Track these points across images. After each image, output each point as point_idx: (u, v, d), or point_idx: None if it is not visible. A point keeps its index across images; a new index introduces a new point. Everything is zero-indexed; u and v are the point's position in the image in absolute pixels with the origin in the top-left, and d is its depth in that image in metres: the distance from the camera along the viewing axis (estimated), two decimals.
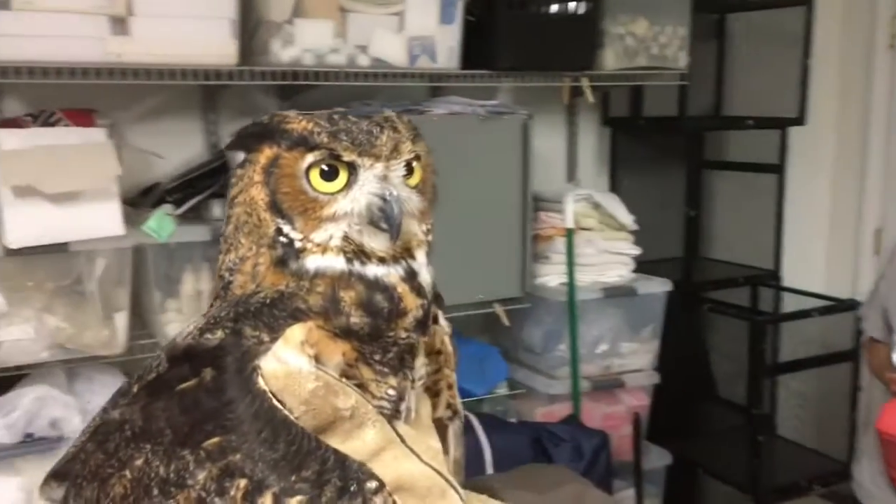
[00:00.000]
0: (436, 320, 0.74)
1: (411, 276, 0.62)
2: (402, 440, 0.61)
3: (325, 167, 0.60)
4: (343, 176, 0.60)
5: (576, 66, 2.60)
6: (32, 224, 1.78)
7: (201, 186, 2.14)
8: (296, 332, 0.57)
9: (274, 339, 0.57)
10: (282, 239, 0.60)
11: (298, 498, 0.51)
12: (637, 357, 2.73)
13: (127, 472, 0.54)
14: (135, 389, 0.59)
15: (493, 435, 2.27)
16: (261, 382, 0.55)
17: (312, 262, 0.59)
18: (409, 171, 0.64)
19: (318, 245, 0.60)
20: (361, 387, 0.60)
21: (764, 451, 2.76)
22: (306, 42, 2.14)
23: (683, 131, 3.06)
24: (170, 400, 0.56)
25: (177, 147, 2.37)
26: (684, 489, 2.96)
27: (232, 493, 0.50)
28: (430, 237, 0.66)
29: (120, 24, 1.94)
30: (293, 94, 2.50)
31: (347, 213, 0.61)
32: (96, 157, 1.83)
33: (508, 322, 2.54)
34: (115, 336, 1.94)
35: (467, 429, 2.24)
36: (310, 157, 0.60)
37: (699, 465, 3.00)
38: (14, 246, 1.77)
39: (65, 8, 1.88)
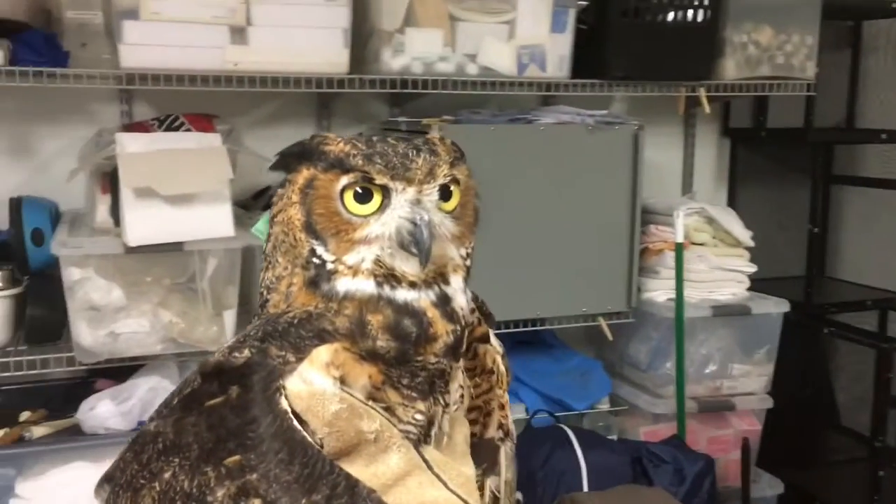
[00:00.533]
0: (487, 339, 0.72)
1: (443, 302, 0.61)
2: (429, 466, 0.60)
3: (358, 189, 0.60)
4: (377, 199, 0.60)
5: (693, 76, 2.52)
6: (150, 224, 1.88)
7: None
8: (322, 353, 0.58)
9: (300, 360, 0.58)
10: (315, 260, 0.60)
11: None
12: (749, 380, 2.61)
13: (156, 485, 0.56)
14: (174, 402, 0.61)
15: (590, 451, 2.22)
16: (283, 402, 0.56)
17: (343, 284, 0.60)
18: (447, 195, 0.62)
19: (350, 267, 0.60)
20: (388, 410, 0.59)
21: (886, 486, 2.59)
22: (416, 50, 2.17)
23: (810, 144, 2.90)
24: (199, 415, 0.58)
25: None
26: None
27: None
28: (468, 262, 0.64)
29: (239, 34, 2.03)
30: (403, 101, 2.53)
31: (379, 237, 0.60)
32: (211, 161, 1.91)
33: (612, 336, 2.48)
34: (223, 333, 2.01)
35: (564, 443, 2.22)
36: (344, 180, 0.60)
37: (814, 497, 2.84)
38: (133, 244, 1.87)
39: (188, 18, 1.97)
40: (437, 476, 0.60)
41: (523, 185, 2.31)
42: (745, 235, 2.61)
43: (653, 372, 2.60)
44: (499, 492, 0.74)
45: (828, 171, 3.11)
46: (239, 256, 2.02)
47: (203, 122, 2.20)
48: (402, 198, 0.60)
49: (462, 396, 0.66)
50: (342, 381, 0.58)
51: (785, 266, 3.09)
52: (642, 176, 2.43)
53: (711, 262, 2.58)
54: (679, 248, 2.45)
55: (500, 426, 0.75)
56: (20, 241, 2.03)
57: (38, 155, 2.33)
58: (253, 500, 0.52)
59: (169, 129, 2.16)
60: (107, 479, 0.64)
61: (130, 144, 1.89)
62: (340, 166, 0.60)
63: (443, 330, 0.61)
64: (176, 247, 1.92)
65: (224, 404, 0.57)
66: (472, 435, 0.74)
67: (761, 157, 3.09)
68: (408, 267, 0.60)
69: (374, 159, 0.59)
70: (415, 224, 0.59)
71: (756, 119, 3.03)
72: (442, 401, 0.62)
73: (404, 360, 0.59)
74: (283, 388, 0.56)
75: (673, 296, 2.48)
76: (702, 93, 2.52)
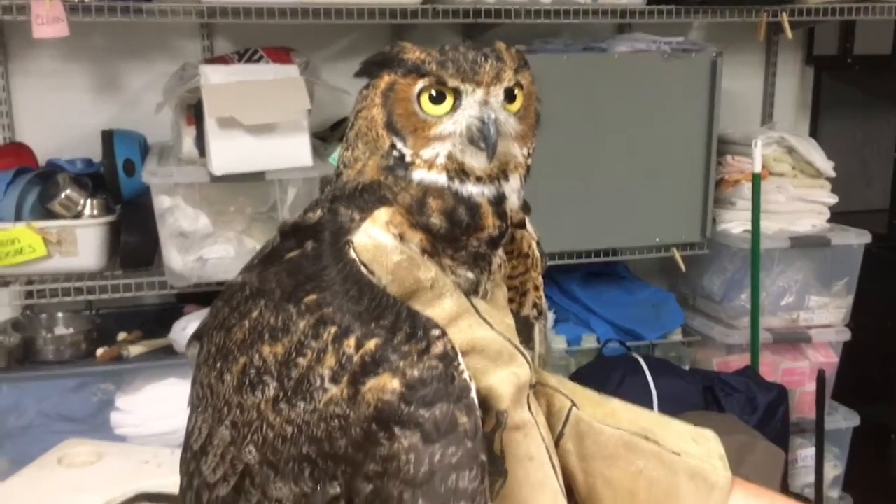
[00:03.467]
0: (523, 225, 0.79)
1: (499, 200, 0.68)
2: (477, 311, 0.68)
3: (433, 92, 0.66)
4: (449, 100, 0.66)
5: (774, 0, 2.45)
6: (233, 153, 1.95)
7: None
8: (382, 213, 0.66)
9: (364, 219, 0.66)
10: (395, 153, 0.67)
11: (375, 340, 0.59)
12: (827, 312, 2.58)
13: (245, 322, 0.64)
14: (256, 261, 0.70)
15: (660, 379, 2.25)
16: (351, 253, 0.64)
17: (418, 174, 0.66)
18: (512, 97, 0.68)
19: (426, 161, 0.66)
20: (440, 266, 0.67)
21: None
22: None
23: None
24: (279, 266, 0.66)
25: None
26: (872, 454, 2.79)
27: (324, 336, 0.60)
28: (530, 161, 0.70)
29: None
30: (476, 32, 2.53)
31: (452, 134, 0.66)
32: (289, 91, 1.97)
33: (685, 268, 2.48)
34: None
35: (636, 370, 2.25)
36: (421, 84, 0.66)
37: (891, 430, 2.81)
38: (218, 173, 1.95)
39: None
40: (485, 320, 0.68)
41: (597, 115, 2.31)
42: (826, 166, 2.55)
43: (727, 303, 2.60)
44: (533, 363, 0.81)
45: None
46: (317, 185, 2.08)
47: (281, 54, 2.26)
48: (472, 99, 0.66)
49: (501, 266, 0.73)
50: (400, 237, 0.65)
51: (868, 198, 3.01)
52: (720, 105, 2.39)
53: (790, 192, 2.54)
54: (756, 179, 2.41)
55: (535, 306, 0.82)
56: (113, 172, 2.14)
57: (126, 90, 2.43)
58: (330, 327, 0.60)
59: (249, 61, 2.22)
60: (196, 336, 0.73)
61: (213, 76, 1.96)
62: (417, 72, 0.66)
63: (491, 224, 0.67)
64: (258, 176, 1.99)
65: (301, 256, 0.65)
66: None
67: (846, 86, 2.99)
68: (476, 161, 0.66)
69: (446, 65, 0.65)
70: (483, 122, 0.65)
71: (842, 45, 2.92)
72: (486, 272, 0.69)
73: (451, 239, 0.67)
74: (351, 241, 0.64)
75: (749, 227, 2.46)
76: (784, 17, 2.45)
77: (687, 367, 2.53)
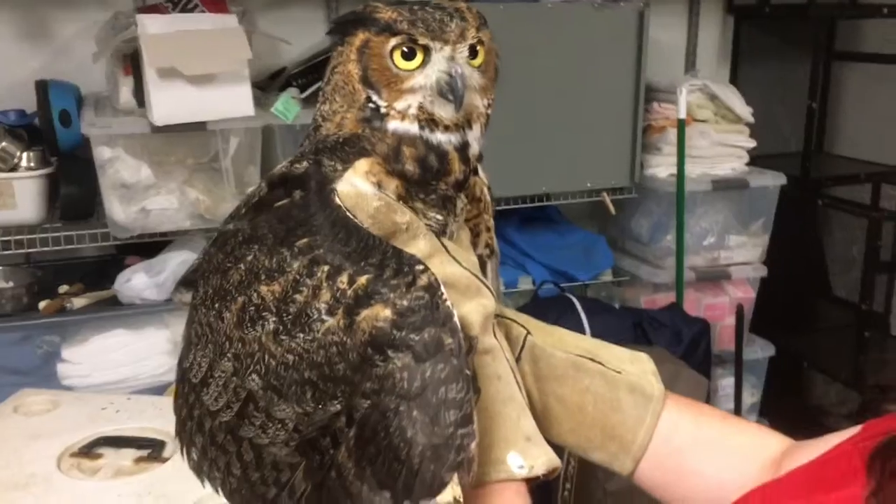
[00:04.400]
0: (476, 172, 0.85)
1: (463, 147, 0.75)
2: (447, 250, 0.75)
3: (405, 49, 0.72)
4: (420, 56, 0.72)
5: None
6: (175, 104, 1.96)
7: (324, 71, 2.25)
8: (362, 163, 0.72)
9: (346, 169, 0.72)
10: (370, 105, 0.73)
11: (366, 276, 0.65)
12: (745, 250, 2.74)
13: (241, 265, 0.70)
14: (243, 210, 0.76)
15: (593, 317, 2.37)
16: (336, 199, 0.70)
17: (392, 125, 0.73)
18: (474, 53, 0.74)
19: (399, 112, 0.73)
20: (413, 211, 0.74)
21: (872, 348, 2.76)
22: None
23: (812, 19, 2.94)
24: (270, 214, 0.72)
25: (302, 34, 2.49)
26: (787, 382, 2.99)
27: (318, 275, 0.66)
28: (489, 111, 0.77)
29: None
30: None
31: (422, 87, 0.72)
32: (229, 41, 1.97)
33: (615, 211, 2.59)
34: None
35: (570, 310, 2.36)
36: (393, 41, 0.72)
37: (804, 359, 3.02)
38: (159, 123, 1.95)
39: None
40: (454, 258, 0.75)
41: (530, 62, 2.37)
42: (745, 111, 2.68)
43: (654, 245, 2.73)
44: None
45: (830, 47, 3.15)
46: (259, 135, 2.11)
47: (216, 3, 2.24)
48: (440, 55, 0.72)
49: (464, 210, 0.80)
50: (378, 185, 0.72)
51: (784, 142, 3.17)
52: (647, 54, 2.49)
53: (712, 137, 2.67)
54: (681, 125, 2.53)
55: (487, 245, 0.89)
56: (49, 123, 2.11)
57: (56, 38, 2.38)
58: (323, 266, 0.66)
59: (183, 10, 2.20)
60: (182, 282, 0.78)
61: (151, 26, 1.95)
62: (390, 30, 0.71)
63: (457, 169, 0.74)
64: (199, 126, 2.00)
65: (290, 204, 0.71)
66: None
67: (764, 35, 3.13)
68: (444, 112, 0.73)
69: (416, 24, 0.71)
70: (451, 76, 0.72)
71: None
72: (452, 213, 0.76)
73: (423, 184, 0.73)
74: (335, 189, 0.71)
75: (674, 171, 2.58)
76: None
77: (617, 306, 2.66)
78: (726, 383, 2.77)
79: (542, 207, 2.71)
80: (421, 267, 0.66)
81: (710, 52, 3.10)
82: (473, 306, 0.74)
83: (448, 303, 0.66)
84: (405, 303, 0.64)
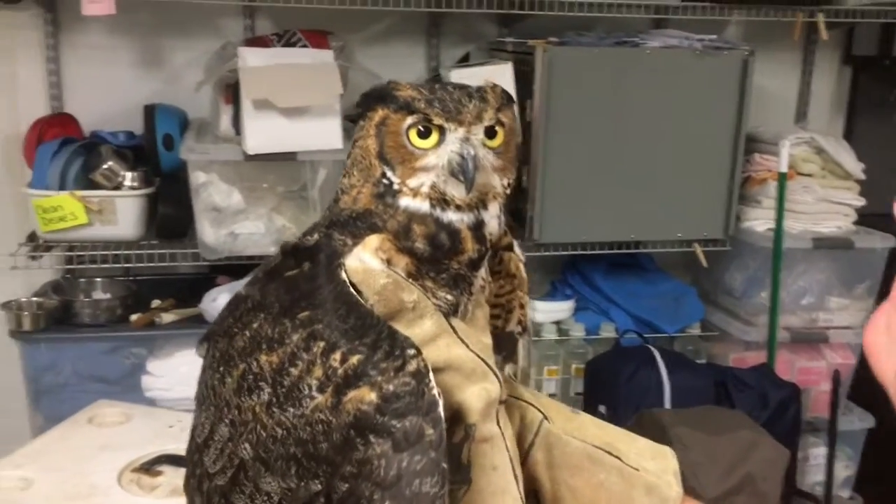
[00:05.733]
0: (511, 248, 0.86)
1: (478, 226, 0.74)
2: (455, 332, 0.74)
3: (420, 128, 0.73)
4: (435, 136, 0.73)
5: (811, 0, 2.44)
6: (267, 134, 2.02)
7: None
8: (373, 239, 0.72)
9: (356, 244, 0.72)
10: (384, 181, 0.73)
11: (358, 356, 0.66)
12: (847, 313, 2.60)
13: (246, 332, 0.72)
14: (259, 275, 0.76)
15: (674, 372, 2.29)
16: (343, 274, 0.70)
17: (404, 201, 0.73)
18: (493, 134, 0.74)
19: (412, 189, 0.73)
20: (424, 288, 0.73)
21: None
22: None
23: None
24: (279, 283, 0.73)
25: (400, 68, 2.54)
26: (886, 457, 2.80)
27: (314, 350, 0.67)
28: (508, 190, 0.77)
29: None
30: (512, 21, 2.57)
31: (435, 166, 0.73)
32: (323, 77, 2.03)
33: (706, 263, 2.50)
34: None
35: (650, 362, 2.29)
36: (410, 119, 0.72)
37: None
38: (251, 152, 2.03)
39: None
40: (462, 339, 0.74)
41: (626, 108, 2.33)
42: (856, 168, 2.55)
43: (746, 300, 2.62)
44: (516, 376, 0.89)
45: None
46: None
47: (318, 37, 2.32)
48: (455, 136, 0.72)
49: (483, 288, 0.78)
50: (388, 262, 0.72)
51: None
52: (749, 103, 2.40)
53: (817, 193, 2.55)
54: (782, 178, 2.43)
55: (520, 322, 0.89)
56: (153, 145, 2.22)
57: (169, 66, 2.51)
58: (319, 342, 0.67)
59: (287, 44, 2.28)
60: (205, 337, 0.80)
61: (251, 58, 2.03)
62: (407, 108, 0.72)
63: (471, 248, 0.73)
64: (290, 156, 2.06)
65: (298, 275, 0.72)
66: (495, 328, 0.88)
67: (884, 87, 2.97)
68: (456, 192, 0.72)
69: (433, 104, 0.72)
70: (462, 157, 0.72)
71: (882, 46, 2.90)
72: (466, 292, 0.75)
73: (433, 262, 0.73)
74: (343, 264, 0.71)
75: (773, 226, 2.48)
76: (819, 18, 2.45)
77: (703, 361, 2.57)
78: (818, 453, 2.61)
79: (632, 254, 2.65)
80: (412, 351, 0.66)
81: (823, 102, 2.97)
82: (476, 391, 0.72)
83: (435, 391, 0.65)
84: (391, 388, 0.64)
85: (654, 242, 2.52)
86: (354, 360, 0.65)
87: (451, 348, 0.72)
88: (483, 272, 0.76)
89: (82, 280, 2.37)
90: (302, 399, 0.66)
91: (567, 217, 2.36)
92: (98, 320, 2.24)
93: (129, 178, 2.22)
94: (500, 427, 0.75)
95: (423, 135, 0.72)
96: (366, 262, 0.71)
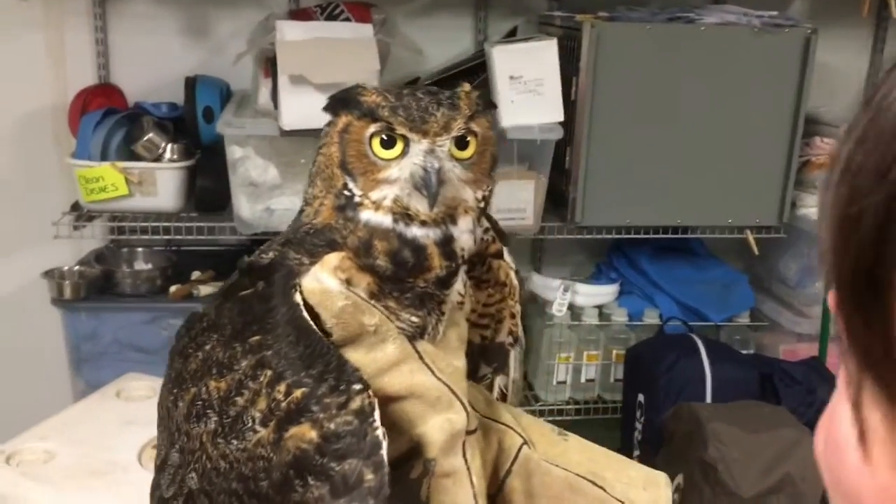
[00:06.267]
0: (501, 255, 0.81)
1: (446, 241, 0.69)
2: (421, 356, 0.69)
3: (384, 137, 0.68)
4: (399, 146, 0.68)
5: None
6: (303, 109, 1.99)
7: (459, 83, 2.23)
8: (331, 258, 0.68)
9: (313, 263, 0.68)
10: (346, 192, 0.69)
11: (302, 389, 0.62)
12: None
13: (199, 353, 0.69)
14: (219, 293, 0.72)
15: (717, 364, 2.21)
16: (297, 297, 0.66)
17: (365, 215, 0.68)
18: (465, 144, 0.69)
19: (374, 202, 0.68)
20: (387, 309, 0.69)
21: None
22: None
23: None
24: (234, 303, 0.70)
25: (446, 43, 2.48)
26: None
27: (260, 379, 0.64)
28: (482, 204, 0.72)
29: None
30: None
31: (398, 179, 0.68)
32: (360, 52, 1.99)
33: (758, 251, 2.40)
34: None
35: (692, 352, 2.22)
36: (372, 128, 0.68)
37: None
38: (287, 128, 2.00)
39: None
40: (427, 365, 0.69)
41: (677, 87, 2.23)
42: None
43: (801, 290, 2.51)
44: (507, 389, 0.86)
45: None
46: None
47: (361, 10, 2.27)
48: (419, 147, 0.68)
49: (461, 304, 0.73)
50: (348, 282, 0.68)
51: None
52: (810, 83, 2.28)
53: None
54: None
55: (511, 333, 0.84)
56: (193, 118, 2.22)
57: (214, 36, 2.50)
58: (266, 370, 0.64)
59: (329, 16, 2.24)
60: (170, 351, 0.77)
61: (289, 32, 2.00)
62: (371, 115, 0.68)
63: (438, 265, 0.69)
64: None
65: (252, 295, 0.69)
66: (484, 338, 0.85)
67: None
68: (420, 206, 0.68)
69: (398, 112, 0.67)
70: (426, 170, 0.67)
71: None
72: (435, 312, 0.70)
73: (396, 280, 0.68)
74: (299, 285, 0.67)
75: None
76: None
77: (751, 352, 2.47)
78: None
79: (681, 238, 2.56)
80: (358, 386, 0.62)
81: None
82: (439, 423, 0.68)
83: (378, 432, 0.61)
84: (332, 426, 0.61)
85: (702, 228, 2.43)
86: (298, 393, 0.62)
87: (414, 375, 0.68)
88: (459, 287, 0.72)
89: (125, 250, 2.40)
90: (245, 432, 0.63)
91: (611, 200, 2.28)
92: (138, 290, 2.27)
93: (169, 150, 2.22)
94: (465, 460, 0.70)
95: (387, 144, 0.68)
96: (323, 282, 0.67)
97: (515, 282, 0.82)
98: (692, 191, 2.34)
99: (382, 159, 0.68)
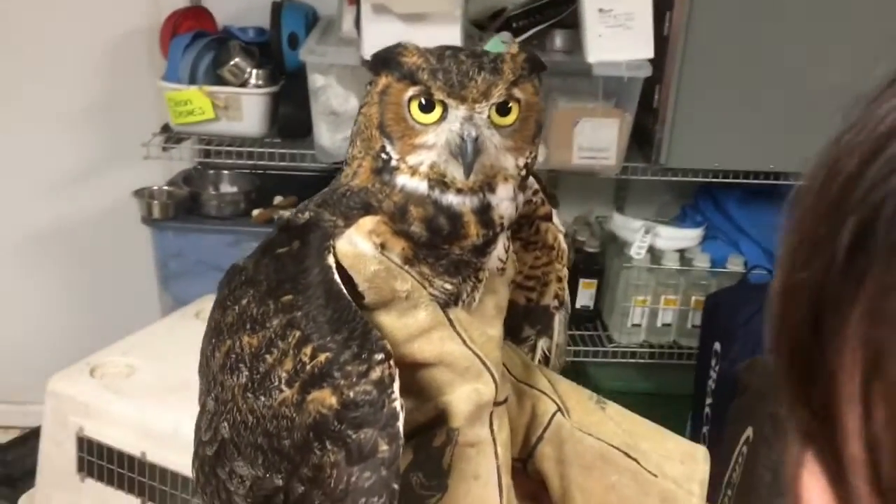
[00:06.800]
0: (549, 218, 0.80)
1: (483, 209, 0.67)
2: (452, 324, 0.68)
3: (422, 101, 0.66)
4: (438, 110, 0.66)
5: None
6: (385, 39, 1.95)
7: (546, 16, 2.17)
8: (366, 222, 0.67)
9: (348, 225, 0.67)
10: (383, 155, 0.67)
11: (326, 354, 0.62)
12: None
13: (236, 307, 0.69)
14: (258, 249, 0.74)
15: None
16: (330, 259, 0.66)
17: (401, 180, 0.66)
18: (506, 110, 0.67)
19: (410, 167, 0.66)
20: (421, 275, 0.67)
21: None
22: None
23: None
24: (270, 259, 0.70)
25: None
26: None
27: (289, 339, 0.64)
28: (523, 171, 0.69)
29: None
30: None
31: (435, 144, 0.66)
32: None
33: None
34: None
35: None
36: (411, 91, 0.66)
37: None
38: (368, 57, 1.98)
39: None
40: (459, 333, 0.68)
41: (780, 23, 2.11)
42: None
43: None
44: (549, 352, 0.85)
45: None
46: None
47: None
48: (457, 114, 0.65)
49: (501, 270, 0.71)
50: (382, 247, 0.66)
51: None
52: None
53: None
54: None
55: (556, 296, 0.83)
56: (278, 44, 2.23)
57: None
58: (295, 331, 0.64)
59: None
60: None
61: None
62: (410, 78, 0.65)
63: (474, 233, 0.67)
64: None
65: (288, 254, 0.69)
66: (529, 301, 0.84)
67: None
68: (457, 174, 0.66)
69: (437, 76, 0.64)
70: (462, 138, 0.65)
71: None
72: (471, 279, 0.69)
73: (431, 246, 0.67)
74: (333, 246, 0.66)
75: None
76: None
77: None
78: None
79: (774, 186, 2.45)
80: (380, 356, 0.62)
81: None
82: (466, 392, 0.68)
83: (396, 403, 0.61)
84: (351, 394, 0.61)
85: (794, 174, 2.31)
86: (322, 357, 0.62)
87: (444, 343, 0.68)
88: (500, 254, 0.70)
89: (211, 172, 2.46)
90: (272, 390, 0.64)
91: (699, 141, 2.20)
92: (223, 213, 2.33)
93: (254, 75, 2.25)
94: (492, 430, 0.70)
95: (425, 108, 0.65)
96: (357, 245, 0.66)
97: (564, 245, 0.81)
98: (787, 135, 2.21)
99: (420, 123, 0.66)
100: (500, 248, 0.70)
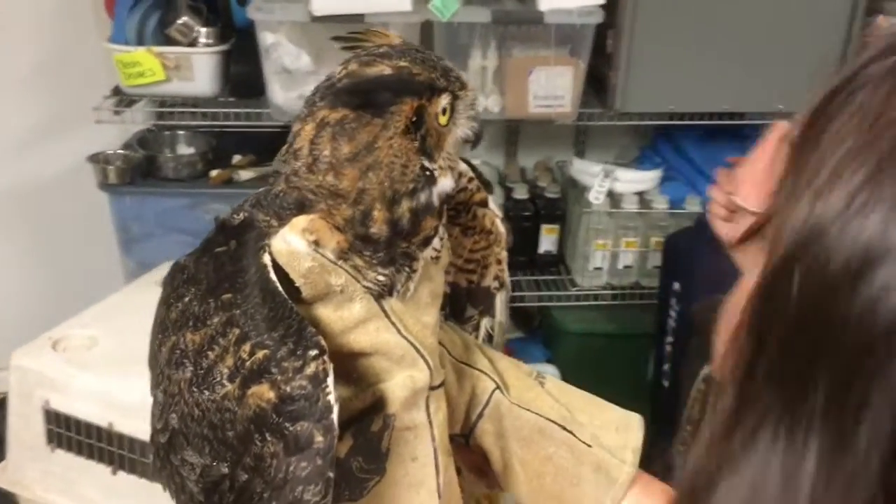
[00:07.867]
0: (485, 204, 0.82)
1: (440, 201, 0.71)
2: (387, 315, 0.71)
3: (448, 105, 0.70)
4: (449, 106, 0.70)
5: None
6: None
7: None
8: (300, 220, 0.68)
9: (282, 225, 0.69)
10: (426, 174, 0.69)
11: (265, 351, 0.65)
12: None
13: (179, 304, 0.71)
14: (199, 246, 0.76)
15: None
16: (266, 258, 0.67)
17: (439, 186, 0.70)
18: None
19: (441, 169, 0.70)
20: (355, 269, 0.69)
21: None
22: None
23: None
24: (210, 258, 0.72)
25: None
26: None
27: (229, 336, 0.66)
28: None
29: None
30: None
31: (454, 137, 0.71)
32: None
33: None
34: None
35: None
36: (443, 100, 0.69)
37: None
38: (317, 14, 1.96)
39: None
40: (394, 323, 0.71)
41: None
42: None
43: None
44: (493, 330, 0.88)
45: None
46: (417, 31, 2.06)
47: None
48: (466, 101, 0.71)
49: (436, 258, 0.73)
50: (316, 243, 0.68)
51: None
52: None
53: None
54: None
55: (497, 277, 0.87)
56: (225, 1, 2.19)
57: None
58: (234, 329, 0.66)
59: None
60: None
61: None
62: (431, 90, 0.68)
63: (429, 226, 0.70)
64: (357, 18, 1.98)
65: (226, 253, 0.71)
66: (470, 283, 0.87)
67: None
68: (461, 157, 0.73)
69: (448, 76, 0.69)
70: (475, 119, 0.71)
71: None
72: (405, 269, 0.71)
73: (371, 241, 0.69)
74: (269, 245, 0.68)
75: None
76: None
77: None
78: None
79: (730, 126, 2.47)
80: (314, 353, 0.64)
81: None
82: (401, 380, 0.71)
83: (330, 397, 0.63)
84: (288, 389, 0.63)
85: (750, 114, 2.34)
86: (260, 354, 0.65)
87: (379, 333, 0.70)
88: (435, 243, 0.72)
89: (167, 133, 2.43)
90: (215, 385, 0.66)
91: (654, 85, 2.20)
92: (180, 175, 2.31)
93: (204, 34, 2.21)
94: (428, 414, 0.73)
95: (446, 110, 0.70)
96: (291, 244, 0.68)
97: (501, 229, 0.84)
98: (740, 75, 2.23)
99: (444, 126, 0.70)
100: (437, 237, 0.72)
